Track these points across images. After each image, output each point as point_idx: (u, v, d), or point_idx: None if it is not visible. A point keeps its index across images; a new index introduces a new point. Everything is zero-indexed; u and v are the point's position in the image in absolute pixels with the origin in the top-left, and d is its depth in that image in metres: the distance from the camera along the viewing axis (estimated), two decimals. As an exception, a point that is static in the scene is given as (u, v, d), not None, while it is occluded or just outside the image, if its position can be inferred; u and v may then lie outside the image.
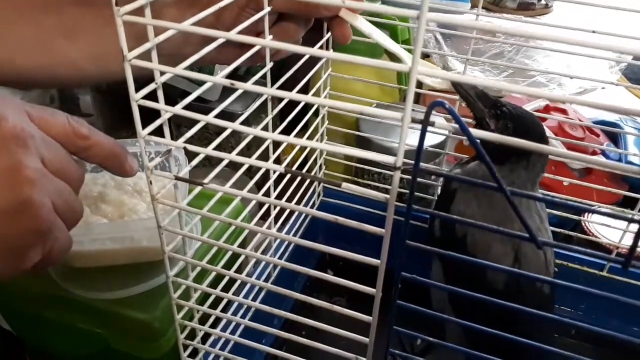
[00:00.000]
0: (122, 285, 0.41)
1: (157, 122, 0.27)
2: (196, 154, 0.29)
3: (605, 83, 0.68)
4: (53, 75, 0.39)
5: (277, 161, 0.49)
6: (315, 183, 0.59)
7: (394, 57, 0.70)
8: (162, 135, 0.28)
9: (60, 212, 0.28)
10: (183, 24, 0.25)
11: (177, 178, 0.28)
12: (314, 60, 0.50)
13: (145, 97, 0.26)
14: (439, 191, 0.53)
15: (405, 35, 0.65)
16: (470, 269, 0.40)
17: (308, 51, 0.23)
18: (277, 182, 0.48)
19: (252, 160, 0.27)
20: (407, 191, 0.54)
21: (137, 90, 0.25)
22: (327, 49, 0.49)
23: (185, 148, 0.27)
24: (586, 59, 0.70)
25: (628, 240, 0.55)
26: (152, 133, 0.27)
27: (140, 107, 0.26)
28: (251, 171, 0.62)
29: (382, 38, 0.37)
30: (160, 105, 0.27)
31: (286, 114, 0.45)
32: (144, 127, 0.27)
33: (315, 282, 0.61)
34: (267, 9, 0.36)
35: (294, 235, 0.56)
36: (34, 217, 0.26)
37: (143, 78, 0.27)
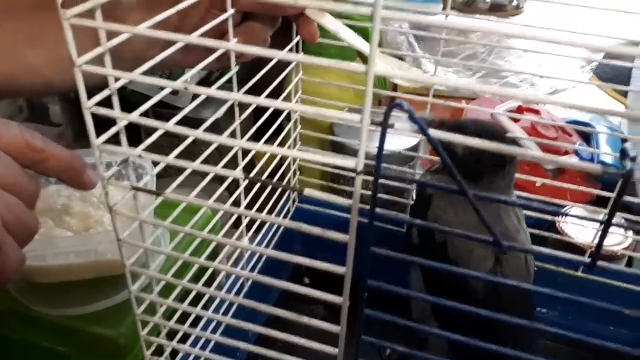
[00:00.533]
0: (86, 300, 0.40)
1: (113, 130, 0.26)
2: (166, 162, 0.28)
3: (576, 82, 0.69)
4: (16, 84, 0.38)
5: (252, 165, 0.48)
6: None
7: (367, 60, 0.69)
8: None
9: (10, 227, 0.26)
10: (138, 27, 0.24)
11: (135, 188, 0.27)
12: (285, 63, 0.49)
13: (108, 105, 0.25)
14: (414, 196, 0.53)
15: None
16: (451, 276, 0.40)
17: (271, 54, 0.23)
18: (249, 188, 0.47)
19: (217, 169, 0.26)
20: (386, 196, 0.54)
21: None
22: (297, 52, 0.49)
23: (147, 157, 0.26)
24: (557, 59, 0.70)
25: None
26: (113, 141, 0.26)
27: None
28: (223, 176, 0.61)
29: (349, 36, 0.36)
30: (115, 112, 0.26)
31: (260, 118, 0.45)
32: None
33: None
34: (231, 11, 0.35)
35: (269, 241, 0.55)
36: None
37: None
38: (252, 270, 0.52)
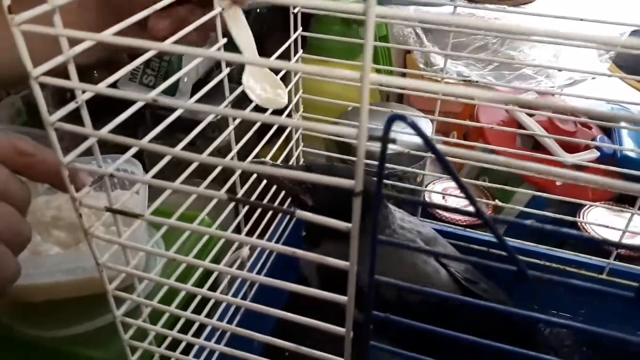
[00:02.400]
0: (74, 320, 0.37)
1: (84, 146, 0.24)
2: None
3: (594, 74, 0.65)
4: None
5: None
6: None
7: (377, 57, 0.66)
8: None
9: (3, 237, 0.25)
10: (102, 34, 0.21)
11: (109, 210, 0.24)
12: (286, 56, 0.46)
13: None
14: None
15: (382, 31, 0.61)
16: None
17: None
18: (251, 192, 0.44)
19: (202, 190, 0.23)
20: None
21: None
22: (295, 48, 0.46)
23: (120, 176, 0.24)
24: (574, 48, 0.67)
25: (627, 240, 0.51)
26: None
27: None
28: (226, 173, 0.59)
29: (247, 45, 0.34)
30: (87, 129, 0.23)
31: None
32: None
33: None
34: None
35: (276, 243, 0.53)
36: None
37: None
38: (259, 271, 0.49)
